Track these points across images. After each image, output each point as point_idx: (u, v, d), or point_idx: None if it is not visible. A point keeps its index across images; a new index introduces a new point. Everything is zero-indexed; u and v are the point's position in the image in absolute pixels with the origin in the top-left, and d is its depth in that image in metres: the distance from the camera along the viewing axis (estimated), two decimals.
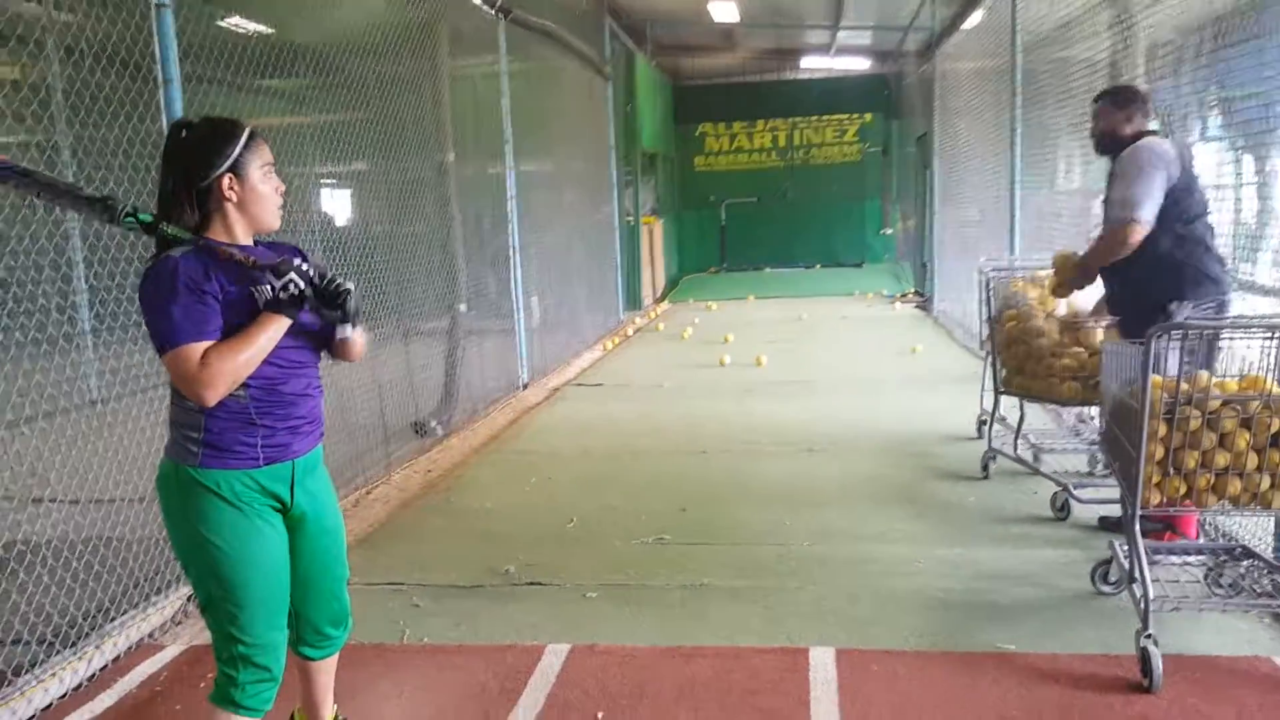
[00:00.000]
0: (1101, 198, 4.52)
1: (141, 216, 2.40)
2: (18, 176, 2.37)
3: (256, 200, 2.50)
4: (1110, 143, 4.47)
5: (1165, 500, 3.47)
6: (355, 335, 2.60)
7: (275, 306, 2.43)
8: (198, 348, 2.34)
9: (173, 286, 2.34)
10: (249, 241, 2.54)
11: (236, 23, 6.86)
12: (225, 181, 2.45)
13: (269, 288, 2.44)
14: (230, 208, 2.47)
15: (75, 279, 7.06)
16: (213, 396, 2.35)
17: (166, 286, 2.34)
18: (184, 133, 2.48)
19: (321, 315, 2.52)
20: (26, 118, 5.83)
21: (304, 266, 2.46)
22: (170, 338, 2.33)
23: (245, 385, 2.44)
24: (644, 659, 3.61)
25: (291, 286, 2.42)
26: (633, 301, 15.37)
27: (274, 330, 2.42)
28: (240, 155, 2.45)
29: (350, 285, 2.49)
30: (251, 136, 2.49)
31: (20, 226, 4.18)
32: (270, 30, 6.42)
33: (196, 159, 2.44)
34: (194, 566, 2.52)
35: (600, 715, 3.23)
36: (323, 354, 2.70)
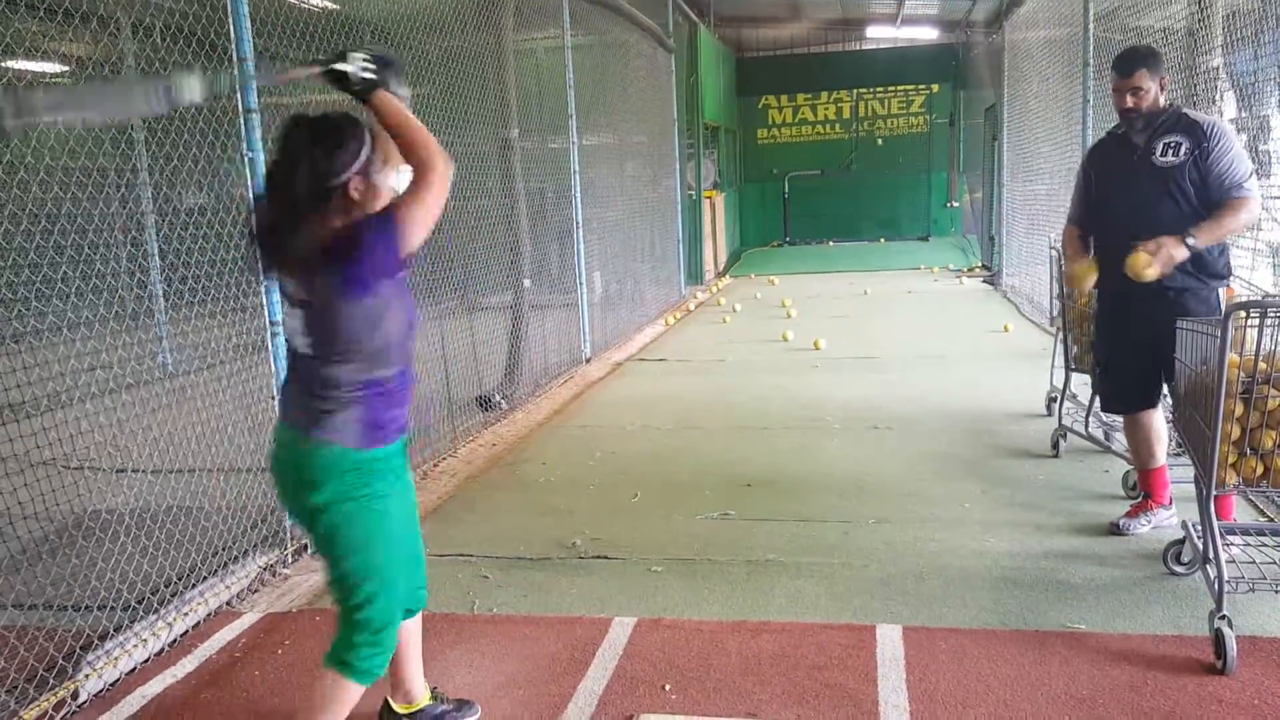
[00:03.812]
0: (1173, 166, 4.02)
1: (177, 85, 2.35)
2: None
3: (377, 199, 2.49)
4: (1149, 119, 4.10)
5: (1242, 481, 3.41)
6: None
7: (372, 86, 2.41)
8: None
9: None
10: None
11: None
12: (354, 183, 2.42)
13: (356, 77, 2.41)
14: (353, 206, 2.45)
15: (150, 254, 7.23)
16: (444, 171, 2.42)
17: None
18: (306, 131, 2.42)
19: (387, 76, 2.44)
20: None
21: (351, 48, 2.41)
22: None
23: (402, 362, 2.59)
24: (710, 633, 3.64)
25: (367, 67, 2.40)
26: (694, 276, 15.35)
27: (397, 103, 2.43)
28: (369, 156, 2.44)
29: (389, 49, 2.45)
30: (373, 135, 2.48)
31: (101, 205, 4.29)
32: (335, 5, 6.49)
33: (326, 160, 2.40)
34: (352, 540, 2.61)
35: (667, 687, 3.26)
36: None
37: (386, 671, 2.97)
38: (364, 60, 2.39)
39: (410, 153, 2.42)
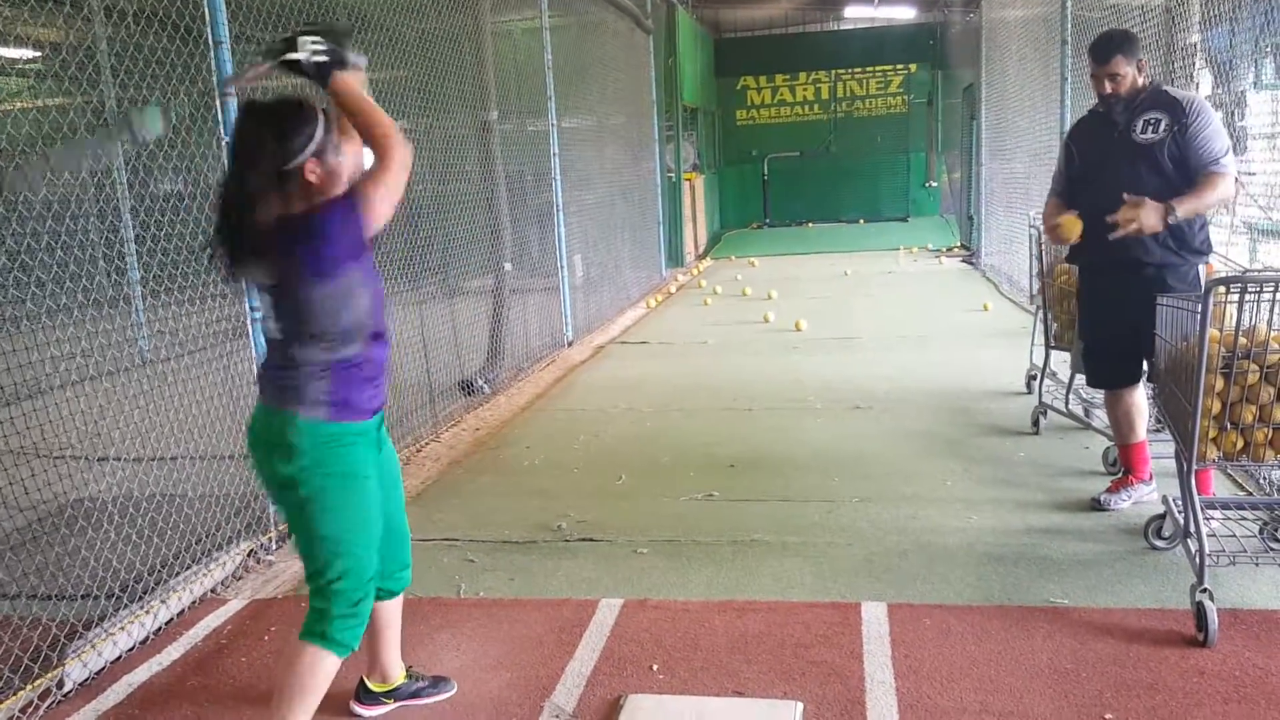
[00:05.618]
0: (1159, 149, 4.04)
1: (150, 111, 2.47)
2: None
3: (334, 181, 2.50)
4: (1129, 99, 4.13)
5: (1222, 455, 3.44)
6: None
7: (328, 70, 2.42)
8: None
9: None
10: None
11: None
12: (309, 166, 2.44)
13: (309, 64, 2.41)
14: (313, 190, 2.47)
15: (126, 240, 7.17)
16: (405, 154, 2.43)
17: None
18: (259, 115, 2.45)
19: (339, 54, 2.45)
20: (78, 80, 5.89)
21: (302, 30, 2.42)
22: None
23: (369, 342, 2.59)
24: (697, 613, 3.65)
25: (318, 51, 2.40)
26: (675, 259, 15.34)
27: (355, 85, 2.45)
28: (324, 139, 2.46)
29: (345, 24, 2.47)
30: (328, 117, 2.50)
31: (77, 189, 4.24)
32: None
33: (280, 143, 2.42)
34: (320, 509, 2.63)
35: (654, 667, 3.27)
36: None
37: (364, 651, 3.00)
38: (314, 44, 2.38)
39: (367, 135, 2.43)
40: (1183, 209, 3.91)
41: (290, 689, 2.62)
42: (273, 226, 2.43)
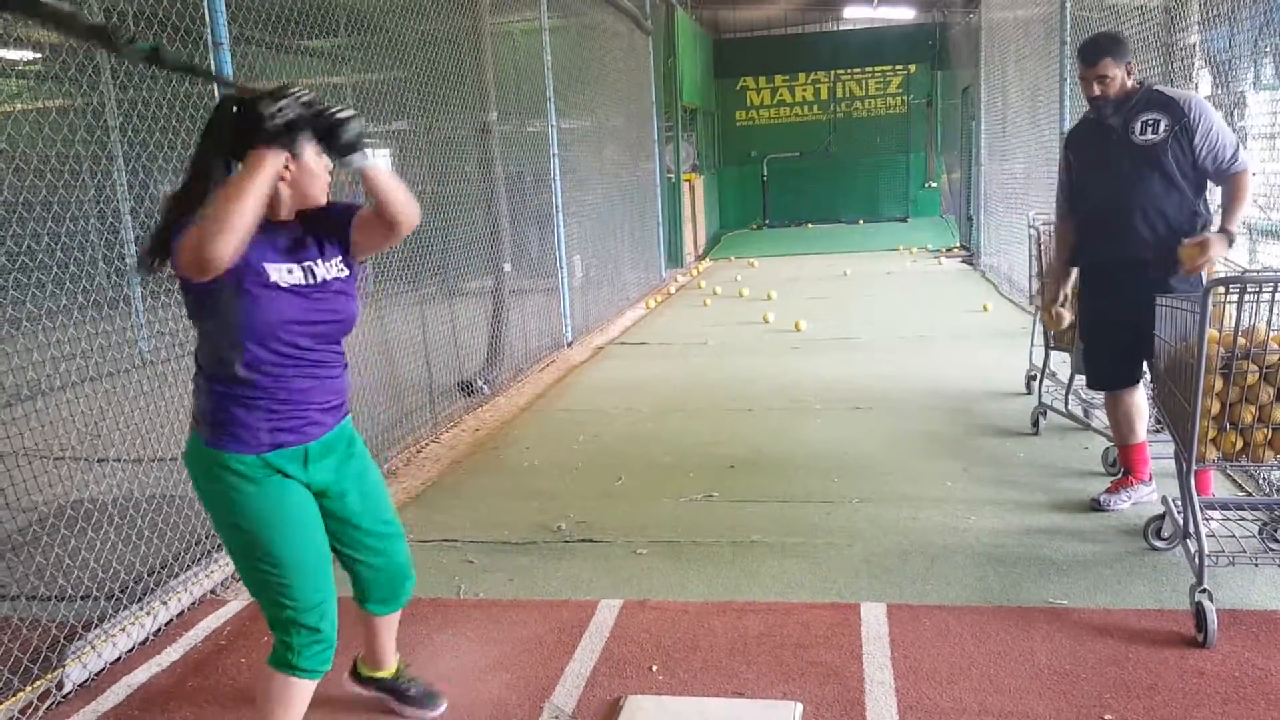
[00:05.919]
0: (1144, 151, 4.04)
1: (141, 46, 2.25)
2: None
3: (309, 179, 2.43)
4: (1118, 104, 4.12)
5: (1221, 455, 3.44)
6: (376, 163, 2.37)
7: (264, 139, 2.22)
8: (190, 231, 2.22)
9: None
10: (291, 216, 2.48)
11: None
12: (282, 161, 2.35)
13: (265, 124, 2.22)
14: (282, 185, 2.39)
15: (126, 241, 7.17)
16: (213, 250, 2.13)
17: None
18: (236, 109, 2.37)
19: (325, 148, 2.33)
20: (78, 82, 5.89)
21: (302, 96, 2.24)
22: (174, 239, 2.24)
23: (247, 368, 2.38)
24: (696, 614, 3.65)
25: (281, 115, 2.20)
26: (675, 259, 15.34)
27: (262, 166, 2.21)
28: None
29: (350, 112, 2.27)
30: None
31: (78, 191, 4.24)
32: None
33: (253, 138, 2.32)
34: (228, 539, 2.53)
35: (654, 668, 3.27)
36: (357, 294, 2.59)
37: (360, 634, 3.00)
38: (281, 113, 2.21)
39: (214, 210, 2.19)
40: (1234, 225, 3.93)
41: (266, 715, 2.59)
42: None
